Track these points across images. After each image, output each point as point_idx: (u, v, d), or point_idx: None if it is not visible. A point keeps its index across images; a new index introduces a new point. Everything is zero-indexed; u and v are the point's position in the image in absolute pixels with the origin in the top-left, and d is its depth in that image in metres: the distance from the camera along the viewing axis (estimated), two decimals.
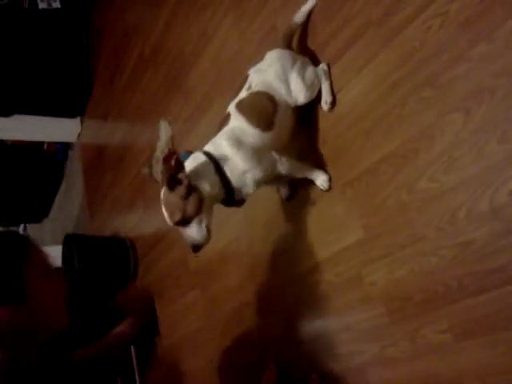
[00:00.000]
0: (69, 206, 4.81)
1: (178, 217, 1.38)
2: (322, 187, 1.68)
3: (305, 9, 1.75)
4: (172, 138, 2.77)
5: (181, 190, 1.37)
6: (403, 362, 1.41)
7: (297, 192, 1.83)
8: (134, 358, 2.85)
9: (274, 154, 1.57)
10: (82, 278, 3.06)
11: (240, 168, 1.47)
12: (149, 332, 2.86)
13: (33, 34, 3.99)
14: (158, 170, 2.77)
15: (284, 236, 1.91)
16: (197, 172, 1.43)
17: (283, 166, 1.58)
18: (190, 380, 2.62)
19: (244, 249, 2.13)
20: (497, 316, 1.17)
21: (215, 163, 1.46)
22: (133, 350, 2.86)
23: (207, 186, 1.42)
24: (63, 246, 3.25)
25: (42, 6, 4.24)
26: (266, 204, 1.98)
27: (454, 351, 1.27)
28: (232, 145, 1.48)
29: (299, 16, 1.75)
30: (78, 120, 4.58)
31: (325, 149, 1.69)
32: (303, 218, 1.81)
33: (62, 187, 5.09)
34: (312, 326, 1.78)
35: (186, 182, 1.37)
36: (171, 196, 1.39)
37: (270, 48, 1.69)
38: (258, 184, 1.53)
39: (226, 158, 1.47)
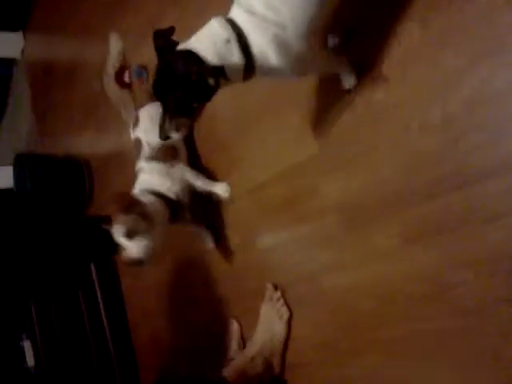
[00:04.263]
0: (18, 126, 4.61)
1: (123, 230, 1.51)
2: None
3: None
4: (123, 53, 2.66)
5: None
6: (355, 267, 1.48)
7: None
8: (93, 273, 2.89)
9: None
10: (35, 198, 3.02)
11: None
12: (107, 249, 2.89)
13: None
14: (108, 83, 2.69)
15: (240, 151, 1.92)
16: None
17: None
18: (148, 293, 2.71)
19: None
20: (445, 219, 1.23)
21: None
22: (92, 266, 2.90)
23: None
24: (14, 166, 3.17)
25: None
26: (221, 121, 1.97)
27: (403, 255, 1.34)
28: None
29: None
30: (20, 34, 4.30)
31: None
32: (258, 131, 1.82)
33: (9, 106, 4.85)
34: (267, 237, 1.84)
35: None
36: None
37: None
38: None
39: None
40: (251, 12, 1.13)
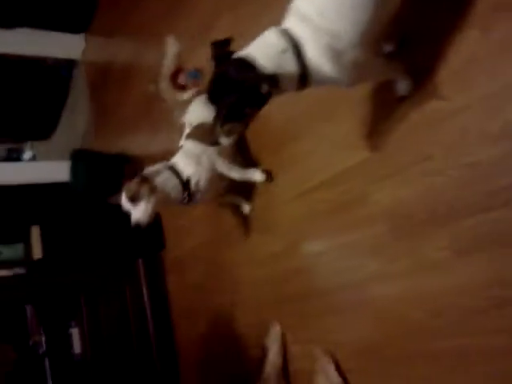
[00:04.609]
0: (75, 123, 4.78)
1: (129, 194, 1.70)
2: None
3: None
4: (179, 55, 2.71)
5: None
6: (404, 277, 1.46)
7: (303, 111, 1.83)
8: (141, 270, 2.96)
9: None
10: (90, 192, 3.14)
11: None
12: (155, 245, 2.96)
13: None
14: (163, 85, 2.75)
15: (291, 155, 1.93)
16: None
17: None
18: (192, 291, 2.76)
19: None
20: (499, 233, 1.20)
21: None
22: (140, 261, 2.97)
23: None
24: (71, 160, 3.29)
25: None
26: (275, 124, 1.99)
27: (452, 268, 1.31)
28: None
29: None
30: (82, 36, 4.45)
31: None
32: (311, 136, 1.82)
33: (68, 105, 5.03)
34: (313, 242, 1.84)
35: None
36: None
37: None
38: None
39: None
40: (306, 22, 1.15)
